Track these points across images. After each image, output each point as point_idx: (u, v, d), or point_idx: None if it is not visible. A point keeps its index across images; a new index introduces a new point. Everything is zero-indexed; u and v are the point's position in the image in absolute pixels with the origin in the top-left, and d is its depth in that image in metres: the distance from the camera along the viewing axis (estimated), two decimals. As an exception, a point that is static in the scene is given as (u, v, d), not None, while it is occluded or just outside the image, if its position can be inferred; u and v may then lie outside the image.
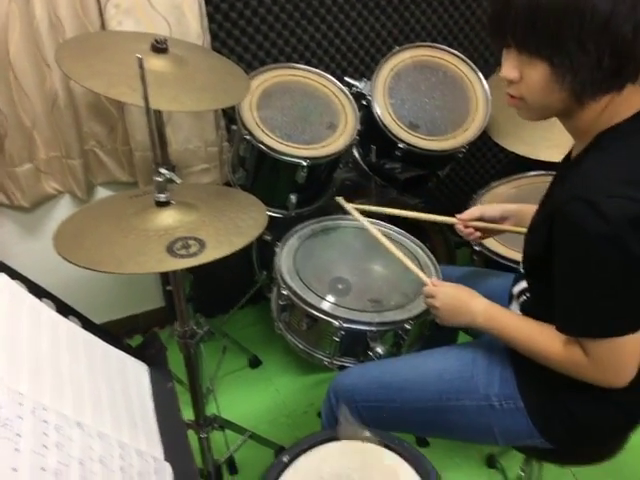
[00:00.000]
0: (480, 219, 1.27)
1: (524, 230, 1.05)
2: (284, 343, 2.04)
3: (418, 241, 1.51)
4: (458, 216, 1.30)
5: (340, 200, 1.44)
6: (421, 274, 1.24)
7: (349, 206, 1.41)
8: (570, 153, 1.01)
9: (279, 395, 1.88)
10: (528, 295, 1.10)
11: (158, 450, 0.79)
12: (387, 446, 0.87)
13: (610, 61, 0.77)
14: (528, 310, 1.09)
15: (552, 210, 0.87)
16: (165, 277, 1.90)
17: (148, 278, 2.00)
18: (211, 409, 1.47)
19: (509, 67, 0.87)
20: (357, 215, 1.39)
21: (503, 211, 1.26)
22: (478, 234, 1.30)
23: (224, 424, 1.42)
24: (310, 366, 1.97)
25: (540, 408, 1.02)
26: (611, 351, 0.87)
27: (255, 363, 1.98)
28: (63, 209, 1.74)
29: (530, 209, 1.15)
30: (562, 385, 0.98)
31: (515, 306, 1.15)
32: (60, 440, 0.62)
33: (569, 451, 1.10)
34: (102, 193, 1.77)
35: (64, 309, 0.86)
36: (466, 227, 1.29)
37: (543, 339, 0.95)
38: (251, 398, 1.85)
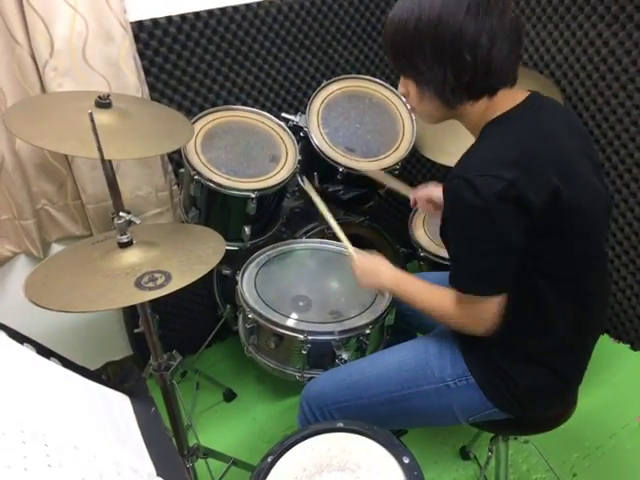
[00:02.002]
0: (429, 198, 1.49)
1: None
2: (256, 373, 2.10)
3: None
4: (414, 193, 1.55)
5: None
6: (348, 245, 1.43)
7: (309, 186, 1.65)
8: None
9: (257, 423, 1.92)
10: None
11: (151, 467, 0.84)
12: (361, 433, 0.94)
13: (453, 76, 0.97)
14: None
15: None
16: (131, 322, 1.93)
17: (113, 328, 2.02)
18: (192, 443, 1.50)
19: (400, 85, 1.09)
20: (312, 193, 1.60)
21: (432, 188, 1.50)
22: (431, 207, 1.51)
23: (207, 452, 1.45)
24: (283, 391, 2.03)
25: (487, 380, 1.14)
26: (472, 304, 1.05)
27: (230, 396, 2.01)
28: (20, 269, 1.76)
29: None
30: (500, 356, 1.12)
31: None
32: (61, 461, 0.67)
33: (522, 418, 1.20)
34: (57, 250, 1.80)
35: (44, 351, 0.91)
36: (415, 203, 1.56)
37: (435, 299, 1.13)
38: (230, 430, 1.89)
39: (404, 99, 1.14)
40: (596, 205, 1.04)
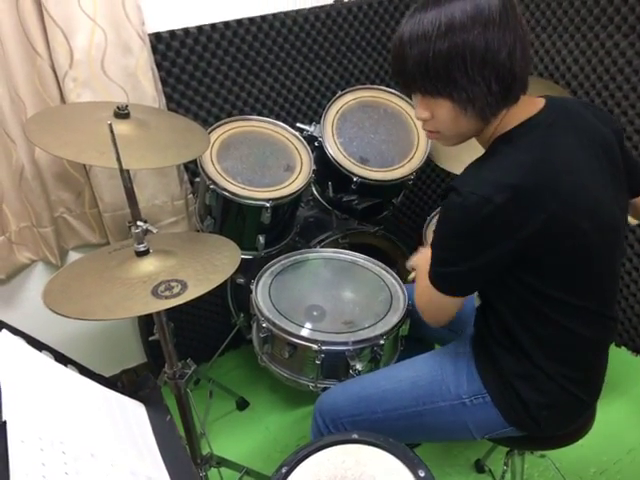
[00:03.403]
0: None
1: None
2: (269, 382, 2.10)
3: (383, 265, 1.62)
4: None
5: None
6: None
7: None
8: None
9: (270, 432, 1.92)
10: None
11: (165, 476, 0.84)
12: (377, 445, 0.94)
13: (497, 85, 0.92)
14: (478, 321, 1.21)
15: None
16: (146, 329, 1.94)
17: (128, 336, 2.03)
18: (205, 452, 1.50)
19: (420, 109, 1.02)
20: None
21: None
22: None
23: (221, 462, 1.45)
24: (296, 401, 2.02)
25: (504, 399, 1.12)
26: (436, 299, 1.07)
27: (243, 405, 2.01)
28: (38, 277, 1.79)
29: None
30: (514, 376, 1.10)
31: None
32: (78, 468, 0.68)
33: (539, 435, 1.18)
34: (75, 257, 1.82)
35: (62, 359, 0.91)
36: None
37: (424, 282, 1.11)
38: (243, 438, 1.89)
39: (421, 124, 1.06)
40: (605, 228, 1.01)
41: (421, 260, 1.23)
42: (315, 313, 1.43)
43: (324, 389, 1.36)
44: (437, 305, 1.10)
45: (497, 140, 1.01)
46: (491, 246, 0.96)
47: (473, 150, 1.42)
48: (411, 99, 1.07)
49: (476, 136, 1.05)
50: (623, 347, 2.16)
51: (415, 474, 0.86)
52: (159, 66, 1.69)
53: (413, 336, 1.48)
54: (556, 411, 1.12)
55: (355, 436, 0.94)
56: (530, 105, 1.00)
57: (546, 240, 0.95)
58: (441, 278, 1.05)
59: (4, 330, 0.83)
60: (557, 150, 0.98)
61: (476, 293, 1.20)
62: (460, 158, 1.91)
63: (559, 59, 2.00)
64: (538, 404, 1.09)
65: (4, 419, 0.67)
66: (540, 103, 1.02)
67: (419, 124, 1.84)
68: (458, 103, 0.95)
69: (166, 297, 1.00)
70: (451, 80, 0.92)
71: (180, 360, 1.72)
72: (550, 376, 1.08)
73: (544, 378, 1.09)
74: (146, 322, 1.95)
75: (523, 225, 0.93)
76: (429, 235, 1.83)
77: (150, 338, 1.43)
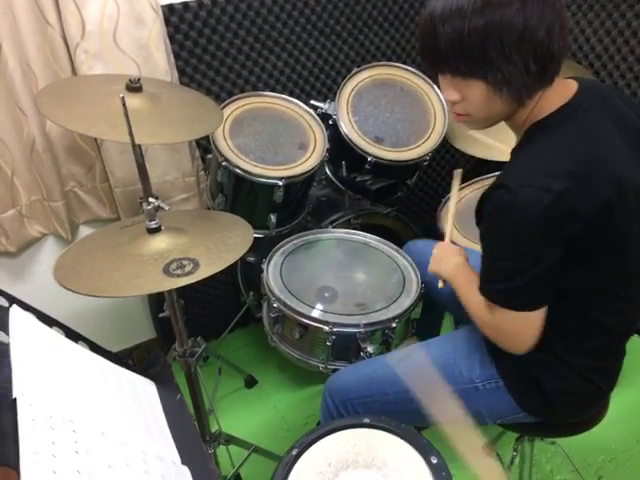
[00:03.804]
0: None
1: None
2: (277, 361, 2.10)
3: (395, 246, 1.60)
4: None
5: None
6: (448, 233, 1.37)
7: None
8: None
9: (278, 411, 1.92)
10: None
11: (175, 456, 0.84)
12: (388, 430, 0.93)
13: (535, 64, 0.87)
14: None
15: (488, 189, 0.96)
16: (157, 306, 1.94)
17: (138, 311, 2.03)
18: (213, 428, 1.51)
19: (449, 91, 0.96)
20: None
21: None
22: None
23: (229, 439, 1.46)
24: (305, 380, 2.02)
25: (517, 385, 1.11)
26: (509, 320, 0.98)
27: (251, 383, 2.02)
28: (48, 251, 1.78)
29: None
30: (531, 362, 1.08)
31: None
32: (89, 447, 0.67)
33: (552, 422, 1.17)
34: (85, 232, 1.82)
35: (73, 335, 0.91)
36: None
37: (475, 300, 1.05)
38: (251, 416, 1.90)
39: (449, 106, 1.03)
40: None
41: (452, 271, 1.18)
42: (327, 294, 1.42)
43: (334, 370, 1.35)
44: (518, 327, 1.00)
45: (534, 127, 0.96)
46: (559, 239, 0.89)
47: (489, 131, 1.39)
48: (435, 79, 1.01)
49: (506, 120, 1.00)
50: (635, 335, 2.13)
51: (427, 460, 0.85)
52: (172, 39, 1.65)
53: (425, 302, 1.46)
54: (573, 399, 1.11)
55: (367, 420, 0.93)
56: (564, 88, 0.96)
57: (597, 228, 0.91)
58: (513, 294, 0.96)
59: (14, 306, 0.83)
60: (599, 136, 0.94)
61: None
62: (477, 139, 1.88)
63: (583, 38, 1.94)
64: (555, 391, 1.08)
65: (14, 396, 0.66)
66: (573, 86, 0.97)
67: (436, 104, 1.83)
68: (493, 84, 0.90)
69: (178, 275, 0.98)
70: (487, 60, 0.87)
71: (190, 337, 1.72)
72: (570, 364, 1.06)
73: (564, 366, 1.07)
74: (156, 298, 1.94)
75: (585, 212, 0.88)
76: (444, 217, 1.80)
77: (160, 315, 1.43)
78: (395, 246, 1.60)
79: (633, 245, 0.98)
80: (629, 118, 1.02)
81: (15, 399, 0.65)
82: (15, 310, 0.82)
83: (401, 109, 1.82)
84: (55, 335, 0.86)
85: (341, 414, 1.22)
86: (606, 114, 0.97)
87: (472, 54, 0.87)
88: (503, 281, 0.96)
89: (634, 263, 1.01)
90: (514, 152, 1.00)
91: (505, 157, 1.03)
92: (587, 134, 0.93)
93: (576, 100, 0.95)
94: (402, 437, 0.91)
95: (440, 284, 1.25)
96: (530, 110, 0.96)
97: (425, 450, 0.87)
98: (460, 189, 1.85)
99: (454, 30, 0.86)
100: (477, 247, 1.57)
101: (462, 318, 1.37)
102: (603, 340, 1.06)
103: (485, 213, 0.96)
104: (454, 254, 1.24)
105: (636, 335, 2.12)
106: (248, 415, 1.90)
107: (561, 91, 0.96)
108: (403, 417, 1.18)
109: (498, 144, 1.77)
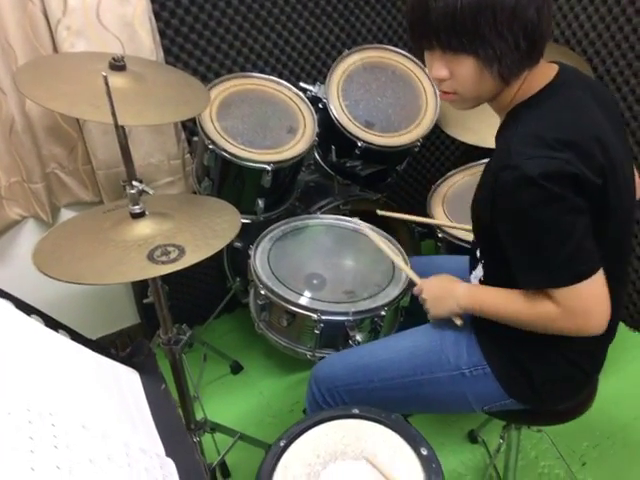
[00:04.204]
0: None
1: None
2: (263, 347, 2.08)
3: (386, 234, 1.58)
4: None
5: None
6: (413, 275, 1.28)
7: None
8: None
9: (263, 397, 1.91)
10: (483, 279, 1.15)
11: (159, 448, 0.81)
12: (378, 421, 0.92)
13: (525, 42, 0.87)
14: None
15: (489, 181, 0.95)
16: (140, 291, 1.91)
17: (122, 296, 2.00)
18: (199, 416, 1.49)
19: (438, 67, 0.94)
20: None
21: None
22: None
23: (214, 427, 1.44)
24: (291, 366, 2.01)
25: (504, 371, 1.10)
26: (578, 297, 0.92)
27: (237, 369, 2.00)
28: (28, 234, 1.73)
29: None
30: (519, 348, 1.07)
31: None
32: (69, 441, 0.65)
33: (539, 410, 1.17)
34: (67, 215, 1.77)
35: (53, 324, 0.87)
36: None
37: (512, 303, 1.01)
38: (236, 403, 1.88)
39: (436, 83, 0.99)
40: (630, 185, 1.01)
41: (462, 301, 1.10)
42: (315, 281, 1.40)
43: (321, 359, 1.33)
44: (586, 300, 0.93)
45: (518, 106, 0.96)
46: (577, 200, 0.87)
47: (480, 117, 1.37)
48: (422, 58, 0.99)
49: (491, 101, 1.00)
50: (621, 323, 2.15)
51: (417, 452, 0.84)
52: (157, 16, 1.60)
53: (413, 308, 1.45)
54: (558, 385, 1.10)
55: (355, 411, 0.92)
56: (547, 69, 0.98)
57: (596, 197, 0.90)
58: (569, 265, 0.91)
59: (-9, 293, 0.79)
60: (585, 111, 0.95)
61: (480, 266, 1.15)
62: (468, 125, 1.85)
63: (576, 24, 1.92)
64: (542, 377, 1.07)
65: (-10, 388, 0.63)
66: (554, 68, 0.99)
67: (428, 88, 1.80)
68: (484, 60, 0.89)
69: (163, 262, 0.95)
70: (479, 35, 0.86)
71: (175, 324, 1.69)
72: (558, 349, 1.06)
73: (551, 351, 1.06)
74: (140, 284, 1.91)
75: (590, 177, 0.88)
76: (433, 204, 1.79)
77: (144, 301, 1.39)
78: (385, 233, 1.58)
79: (620, 221, 0.98)
80: (612, 105, 1.05)
81: (-10, 392, 0.62)
82: (-9, 298, 0.78)
83: (392, 93, 1.78)
84: (34, 324, 0.82)
85: (327, 402, 1.20)
86: (587, 90, 0.99)
87: (464, 29, 0.86)
88: (553, 256, 0.91)
89: (623, 240, 1.01)
90: (500, 133, 0.99)
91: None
92: (573, 108, 0.95)
93: (558, 79, 0.97)
94: (392, 428, 0.89)
95: (458, 322, 1.14)
96: (516, 90, 0.96)
97: (415, 441, 0.86)
98: (451, 175, 1.84)
99: (447, 4, 0.85)
100: (466, 233, 1.59)
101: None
102: None
103: (500, 201, 0.92)
104: (448, 284, 1.16)
105: (622, 324, 2.16)
106: (233, 401, 1.89)
107: (545, 71, 0.97)
108: (389, 405, 1.18)
109: (490, 131, 1.74)
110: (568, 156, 0.87)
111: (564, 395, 1.15)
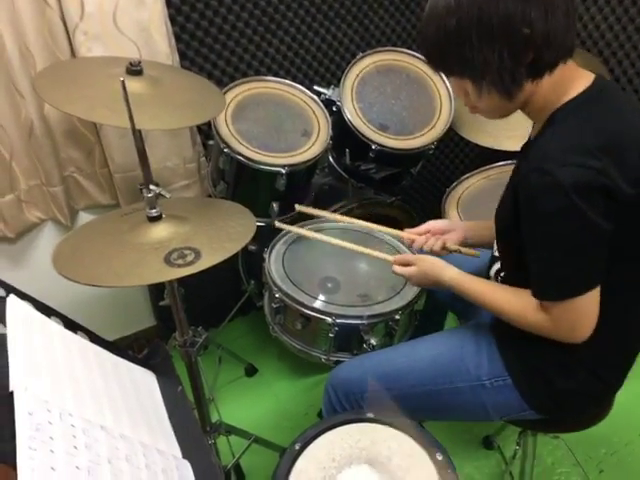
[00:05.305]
0: (428, 232, 1.31)
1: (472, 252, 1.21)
2: (278, 350, 2.09)
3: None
4: (406, 230, 1.35)
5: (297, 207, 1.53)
6: (383, 256, 1.29)
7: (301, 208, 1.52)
8: (530, 136, 1.09)
9: (278, 400, 1.91)
10: (503, 275, 1.16)
11: (176, 449, 0.82)
12: (393, 425, 0.91)
13: (511, 59, 0.88)
14: None
15: (516, 183, 0.94)
16: (156, 294, 1.92)
17: (138, 298, 2.01)
18: (214, 418, 1.50)
19: (454, 88, 1.00)
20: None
21: (450, 224, 1.32)
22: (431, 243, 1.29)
23: (230, 429, 1.45)
24: (305, 369, 2.01)
25: (525, 383, 1.09)
26: (568, 311, 0.94)
27: (251, 371, 2.01)
28: (47, 237, 1.76)
29: (482, 224, 1.26)
30: (541, 360, 1.06)
31: None
32: (88, 442, 0.65)
33: (558, 419, 1.16)
34: (84, 218, 1.79)
35: (72, 325, 0.89)
36: (412, 241, 1.32)
37: (517, 307, 1.01)
38: (251, 405, 1.88)
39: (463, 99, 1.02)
40: None
41: (445, 270, 1.14)
42: (329, 285, 1.40)
43: (336, 362, 1.34)
44: (582, 312, 0.95)
45: (557, 112, 0.95)
46: (604, 213, 0.86)
47: (496, 121, 1.36)
48: None
49: (524, 109, 1.00)
50: None
51: (432, 457, 0.84)
52: (173, 21, 1.61)
53: (426, 307, 1.44)
54: (580, 397, 1.09)
55: (371, 415, 0.92)
56: (582, 76, 0.96)
57: (631, 208, 0.89)
58: (566, 281, 0.92)
59: (12, 295, 0.80)
60: (626, 119, 0.94)
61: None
62: (482, 127, 1.84)
63: (592, 26, 1.90)
64: (566, 390, 1.06)
65: (11, 389, 0.64)
66: (590, 76, 0.97)
67: (443, 91, 1.80)
68: (475, 80, 0.93)
69: (179, 265, 0.96)
70: (462, 56, 0.90)
71: (190, 326, 1.70)
72: (584, 363, 1.04)
73: (577, 365, 1.05)
74: (157, 286, 1.92)
75: (625, 187, 0.86)
76: (448, 207, 1.78)
77: (161, 303, 1.41)
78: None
79: None
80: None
81: (12, 392, 0.63)
82: (12, 300, 0.80)
83: (407, 96, 1.78)
84: (54, 326, 0.84)
85: (344, 406, 1.20)
86: (625, 100, 0.98)
87: (450, 53, 0.91)
88: (557, 269, 0.92)
89: None
90: (538, 136, 0.98)
91: (512, 146, 1.01)
92: (614, 116, 0.93)
93: (596, 87, 0.95)
94: (407, 433, 0.89)
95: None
96: (550, 93, 0.94)
97: (430, 446, 0.86)
98: (465, 178, 1.83)
99: (433, 36, 0.92)
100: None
101: (466, 316, 1.36)
102: (618, 337, 1.04)
103: (523, 204, 0.92)
104: (437, 270, 1.17)
105: None
106: (248, 404, 1.89)
107: (582, 75, 0.95)
108: (406, 413, 1.17)
109: (505, 134, 1.73)
110: (603, 164, 0.85)
111: (584, 407, 1.14)
